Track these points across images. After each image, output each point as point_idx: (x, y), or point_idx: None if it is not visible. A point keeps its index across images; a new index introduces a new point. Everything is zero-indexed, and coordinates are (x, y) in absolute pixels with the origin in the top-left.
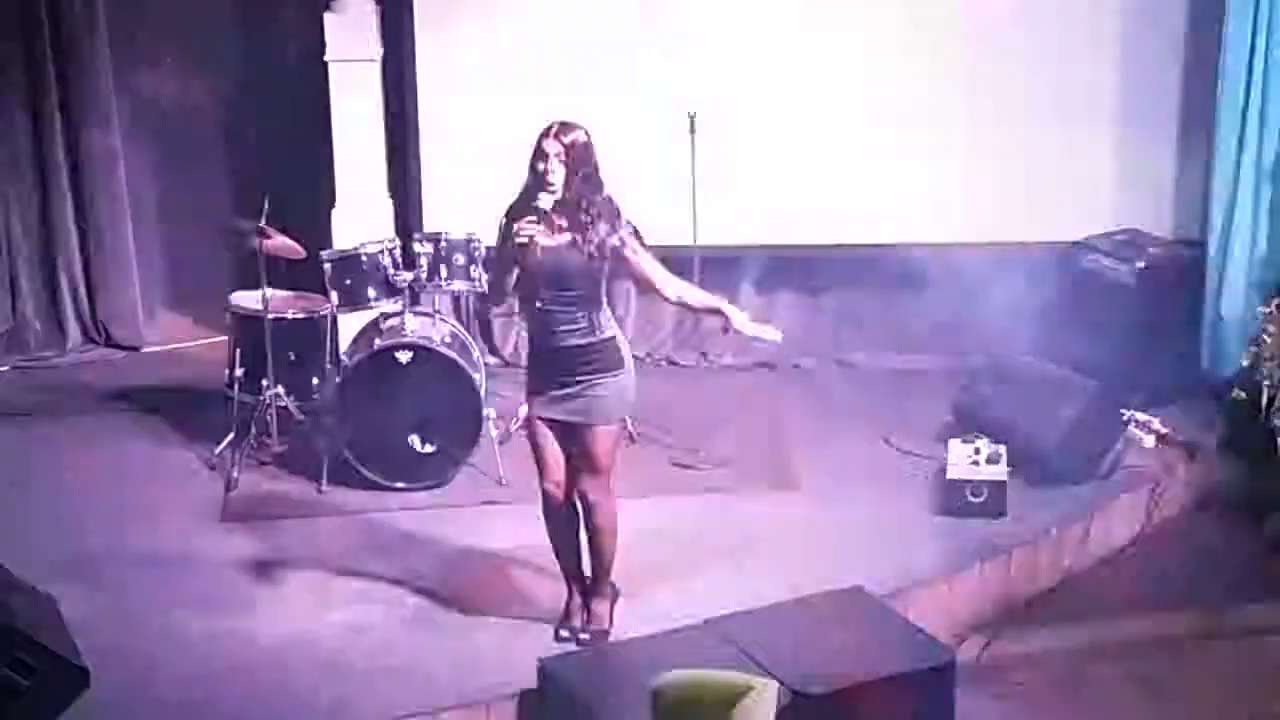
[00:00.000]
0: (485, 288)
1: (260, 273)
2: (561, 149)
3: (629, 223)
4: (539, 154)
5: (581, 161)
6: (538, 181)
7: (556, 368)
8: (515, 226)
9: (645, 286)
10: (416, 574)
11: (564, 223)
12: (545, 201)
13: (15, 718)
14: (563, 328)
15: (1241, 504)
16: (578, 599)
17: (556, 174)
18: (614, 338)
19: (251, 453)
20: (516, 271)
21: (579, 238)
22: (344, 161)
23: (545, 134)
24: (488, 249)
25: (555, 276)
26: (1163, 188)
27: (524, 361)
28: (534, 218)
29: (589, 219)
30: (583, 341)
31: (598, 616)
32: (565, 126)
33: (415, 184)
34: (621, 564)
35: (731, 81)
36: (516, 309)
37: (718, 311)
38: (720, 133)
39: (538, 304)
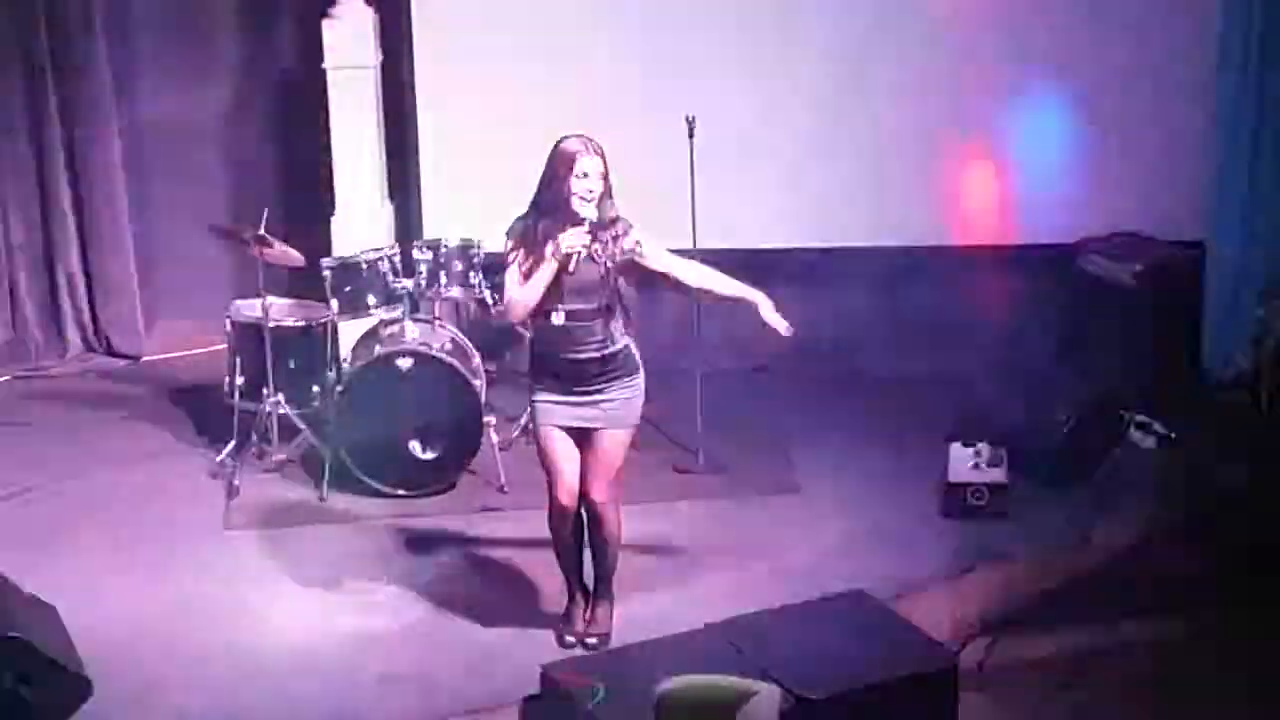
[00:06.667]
0: (505, 307)
1: (260, 280)
2: (602, 164)
3: (630, 225)
4: (580, 172)
5: (607, 172)
6: (571, 198)
7: (572, 378)
8: (563, 238)
9: (669, 283)
10: (419, 581)
11: None
12: (589, 211)
13: None
14: (581, 341)
15: (1242, 505)
16: (579, 605)
17: (597, 188)
18: (628, 345)
19: (253, 461)
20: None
21: (595, 250)
22: (343, 168)
23: (580, 152)
24: (487, 255)
25: (576, 290)
26: (1161, 190)
27: (524, 368)
28: (584, 228)
29: (606, 229)
30: (599, 354)
31: (599, 621)
32: (590, 139)
33: (414, 191)
34: (623, 569)
35: (730, 85)
36: (528, 323)
37: (741, 300)
38: (719, 136)
39: (558, 319)
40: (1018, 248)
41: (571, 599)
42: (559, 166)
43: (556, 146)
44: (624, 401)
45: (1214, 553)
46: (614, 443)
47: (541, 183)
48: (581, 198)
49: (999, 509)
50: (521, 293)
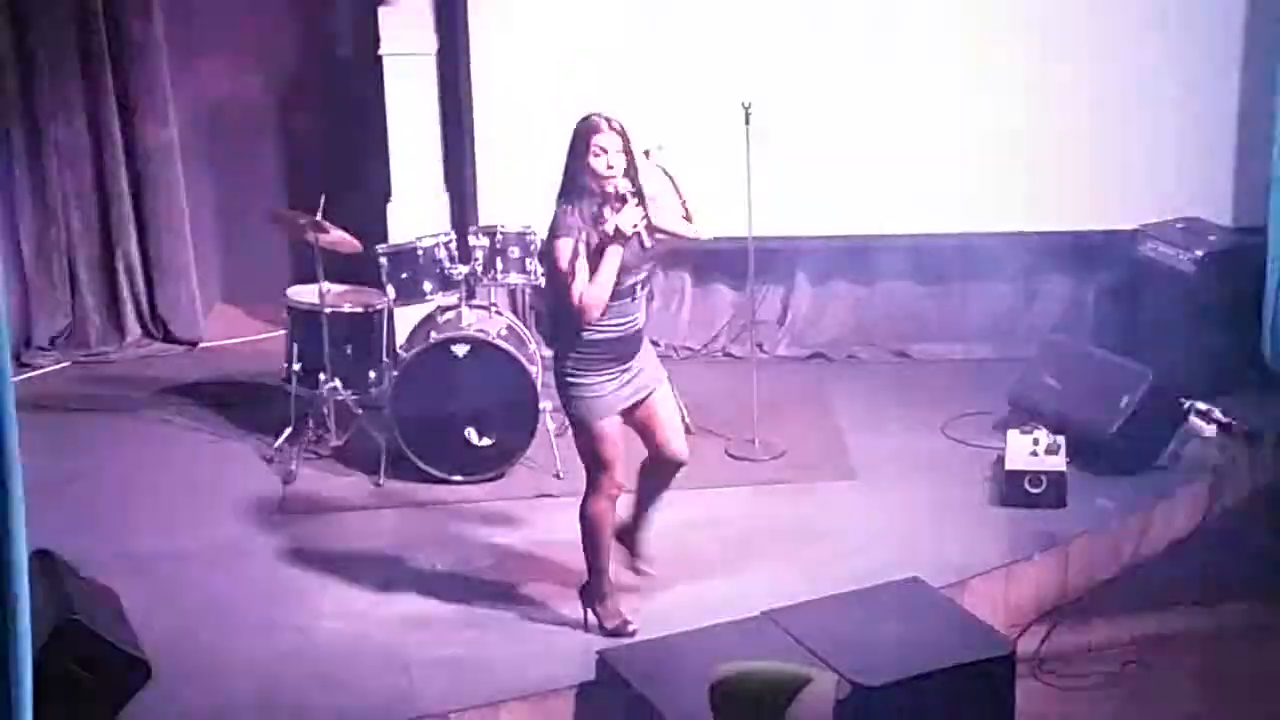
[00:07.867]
0: (582, 308)
1: (317, 266)
2: (620, 139)
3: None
4: (596, 149)
5: (630, 146)
6: (595, 177)
7: (628, 352)
8: (619, 222)
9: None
10: (474, 566)
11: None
12: (625, 186)
13: (79, 712)
14: (636, 312)
15: None
16: (618, 596)
17: (619, 163)
18: None
19: (309, 446)
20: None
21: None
22: (399, 155)
23: (596, 129)
24: (542, 242)
25: (633, 265)
26: (1223, 175)
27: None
28: (635, 202)
29: (640, 201)
30: (643, 321)
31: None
32: (607, 116)
33: (471, 177)
34: (679, 554)
35: (786, 71)
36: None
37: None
38: (775, 123)
39: (628, 296)
40: (1076, 233)
41: (610, 591)
42: (577, 146)
43: (575, 128)
44: (655, 355)
45: (1274, 541)
46: (669, 392)
47: (566, 169)
48: (603, 175)
49: (1057, 497)
50: (598, 287)
